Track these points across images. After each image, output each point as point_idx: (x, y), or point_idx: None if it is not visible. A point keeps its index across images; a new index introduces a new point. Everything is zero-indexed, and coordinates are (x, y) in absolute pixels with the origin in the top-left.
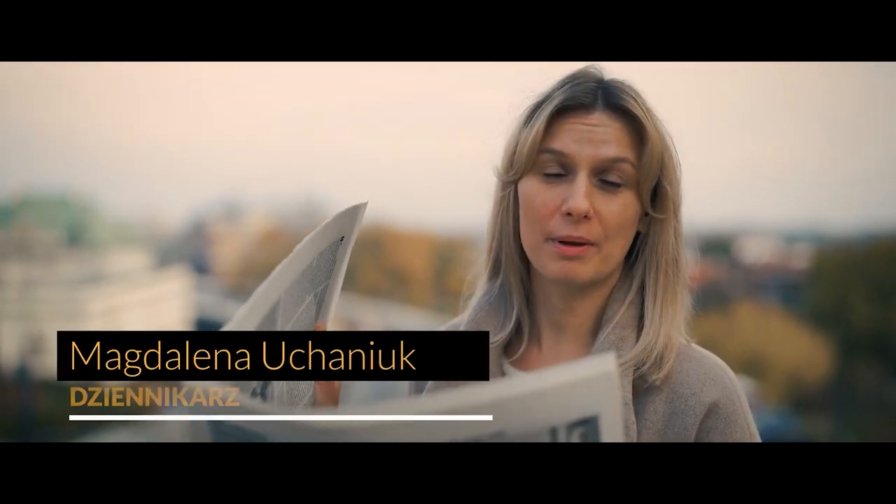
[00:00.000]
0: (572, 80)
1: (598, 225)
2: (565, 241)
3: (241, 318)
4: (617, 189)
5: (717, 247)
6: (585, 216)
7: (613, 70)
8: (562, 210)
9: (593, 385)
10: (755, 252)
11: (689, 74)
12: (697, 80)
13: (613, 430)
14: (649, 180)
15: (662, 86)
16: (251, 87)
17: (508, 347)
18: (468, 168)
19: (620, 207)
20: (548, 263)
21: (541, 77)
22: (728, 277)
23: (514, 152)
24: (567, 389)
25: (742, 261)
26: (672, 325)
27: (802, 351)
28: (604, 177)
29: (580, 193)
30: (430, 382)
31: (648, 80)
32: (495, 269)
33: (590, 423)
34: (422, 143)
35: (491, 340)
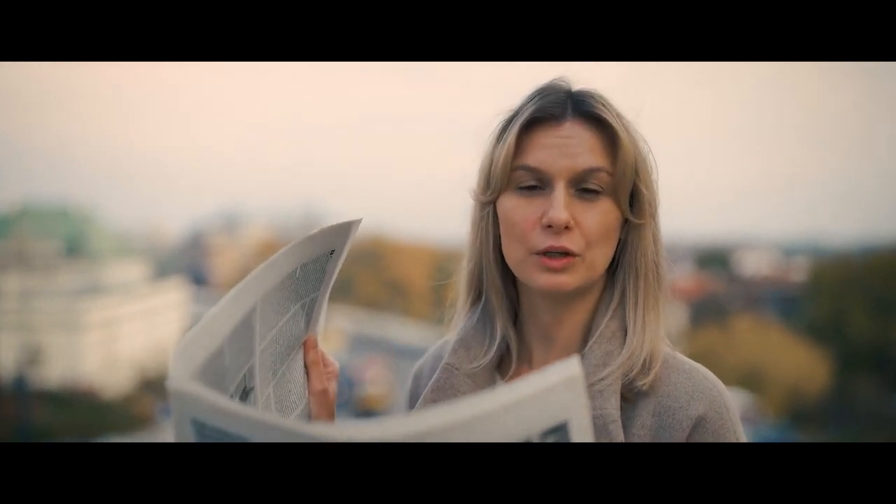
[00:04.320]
0: (540, 93)
1: (579, 235)
2: (549, 254)
3: (211, 318)
4: (595, 197)
5: (716, 259)
6: (566, 227)
7: (613, 70)
8: (542, 223)
9: (561, 391)
10: (754, 265)
11: (688, 87)
12: (697, 94)
13: (583, 434)
14: (625, 185)
15: (661, 100)
16: (251, 99)
17: (502, 367)
18: (467, 180)
19: (600, 215)
20: (534, 276)
21: (528, 89)
22: (726, 290)
23: (490, 171)
24: (537, 399)
25: (740, 274)
26: (655, 330)
27: (801, 364)
28: (581, 186)
29: (559, 205)
30: (419, 404)
31: (649, 92)
32: (478, 292)
33: (560, 429)
34: (420, 155)
35: (477, 364)
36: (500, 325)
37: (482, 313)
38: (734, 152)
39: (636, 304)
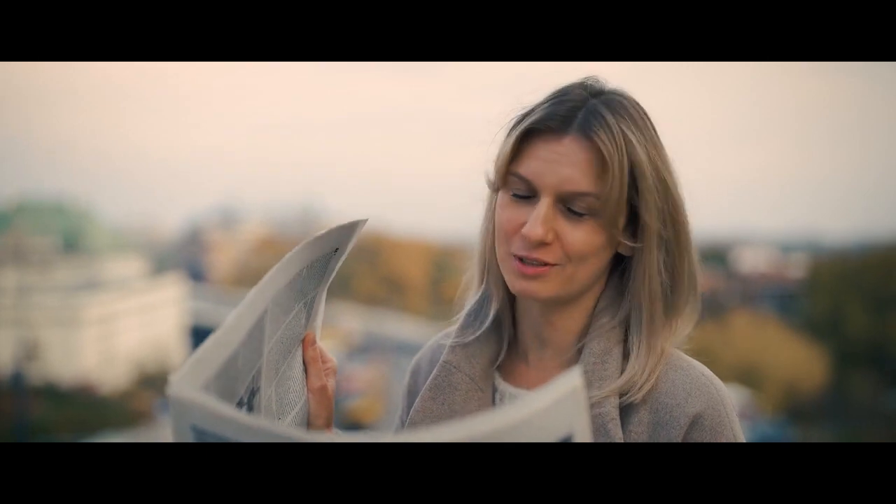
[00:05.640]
0: (558, 96)
1: (559, 249)
2: (524, 260)
3: (230, 324)
4: (581, 217)
5: (714, 256)
6: (543, 242)
7: (610, 71)
8: (521, 231)
9: (564, 404)
10: (751, 261)
11: (687, 85)
12: (695, 91)
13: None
14: (611, 212)
15: (661, 96)
16: (249, 96)
17: (502, 365)
18: (464, 177)
19: (584, 235)
20: (510, 279)
21: (536, 87)
22: (724, 287)
23: (495, 164)
24: (543, 414)
25: (738, 270)
26: (659, 355)
27: (798, 361)
28: (568, 205)
29: (537, 220)
30: (416, 403)
31: (649, 90)
32: (482, 277)
33: (566, 441)
34: (418, 153)
35: (466, 339)
36: (494, 311)
37: (482, 296)
38: (733, 150)
39: (641, 329)
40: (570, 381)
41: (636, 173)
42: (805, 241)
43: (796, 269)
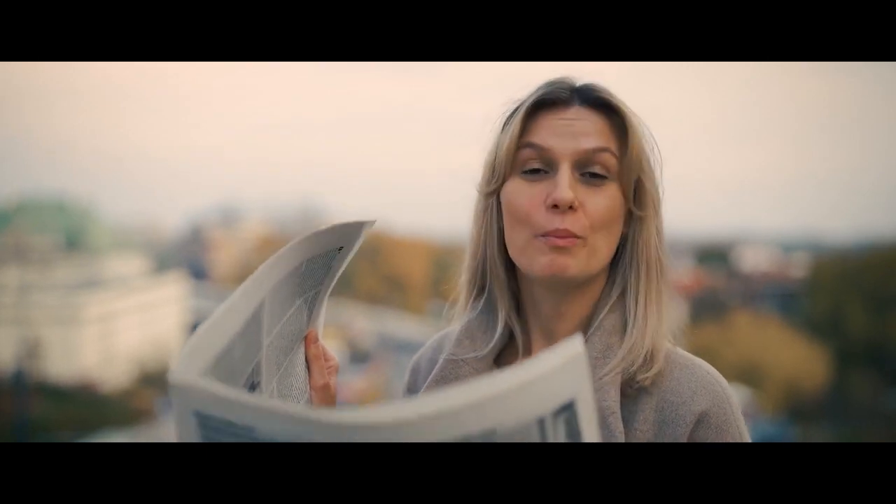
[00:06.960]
0: (547, 83)
1: (583, 217)
2: (553, 235)
3: (222, 314)
4: (601, 182)
5: (715, 255)
6: (571, 207)
7: (610, 71)
8: (547, 203)
9: (568, 369)
10: (753, 261)
11: (687, 85)
12: (695, 91)
13: (588, 411)
14: (632, 172)
15: (662, 95)
16: (250, 94)
17: (503, 360)
18: (466, 175)
19: (606, 200)
20: (537, 259)
21: (528, 85)
22: (725, 286)
23: (495, 157)
24: (546, 379)
25: (739, 269)
26: (657, 324)
27: (799, 360)
28: (587, 170)
29: (564, 184)
30: (420, 394)
31: (649, 90)
32: (481, 285)
33: (570, 407)
34: (418, 152)
35: (480, 353)
36: (503, 316)
37: (485, 305)
38: (733, 150)
39: (638, 297)
40: (573, 348)
41: (643, 138)
42: (806, 240)
43: (797, 268)
